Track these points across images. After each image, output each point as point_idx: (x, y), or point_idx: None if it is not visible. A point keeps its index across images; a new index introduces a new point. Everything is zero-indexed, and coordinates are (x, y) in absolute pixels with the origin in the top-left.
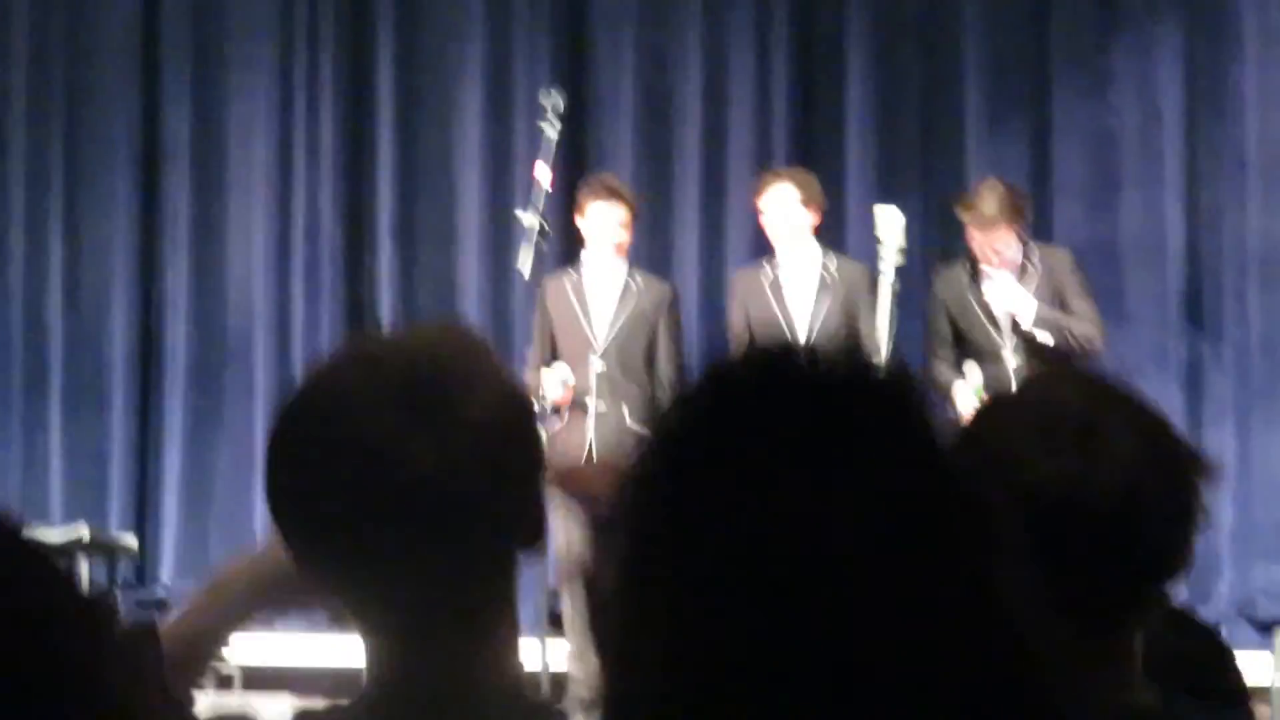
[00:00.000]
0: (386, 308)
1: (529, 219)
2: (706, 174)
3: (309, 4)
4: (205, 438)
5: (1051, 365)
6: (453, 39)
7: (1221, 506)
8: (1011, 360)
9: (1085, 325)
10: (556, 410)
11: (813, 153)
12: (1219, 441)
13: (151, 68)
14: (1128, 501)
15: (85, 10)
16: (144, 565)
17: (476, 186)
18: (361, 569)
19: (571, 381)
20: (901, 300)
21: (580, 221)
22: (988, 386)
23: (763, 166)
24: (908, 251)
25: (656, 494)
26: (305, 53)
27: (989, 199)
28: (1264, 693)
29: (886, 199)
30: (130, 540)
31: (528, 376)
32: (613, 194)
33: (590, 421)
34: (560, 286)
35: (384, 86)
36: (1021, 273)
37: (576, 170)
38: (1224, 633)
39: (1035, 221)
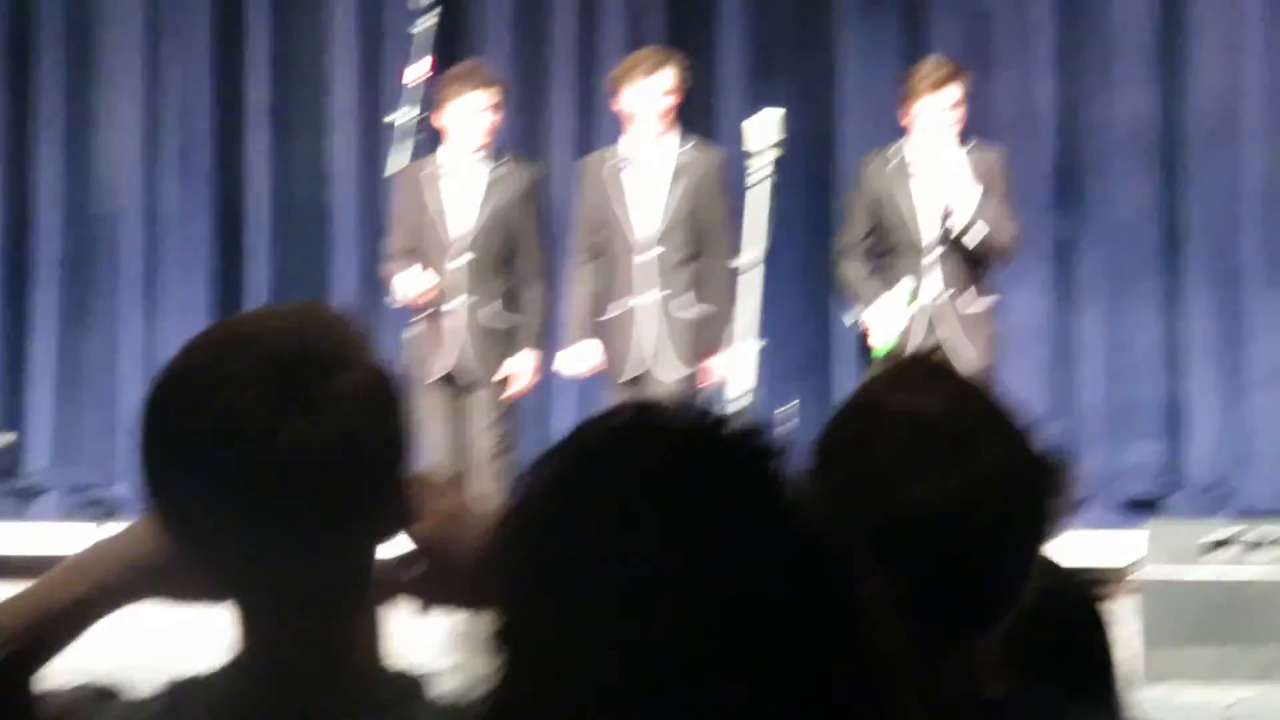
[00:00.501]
0: (258, 197)
1: (401, 118)
2: (581, 58)
3: None
4: (77, 326)
5: (911, 362)
6: None
7: (1092, 384)
8: (935, 265)
9: (1008, 229)
10: (416, 309)
11: (686, 34)
12: (1090, 320)
13: None
14: (993, 515)
15: None
16: (17, 454)
17: (351, 74)
18: (228, 543)
19: (428, 284)
20: (781, 189)
21: (439, 120)
22: (910, 292)
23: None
24: (785, 139)
25: (524, 541)
26: None
27: (930, 61)
28: (1127, 571)
29: (760, 81)
30: (7, 436)
31: (387, 269)
32: (472, 82)
33: (453, 320)
34: (420, 178)
35: None
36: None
37: (452, 57)
38: (1094, 510)
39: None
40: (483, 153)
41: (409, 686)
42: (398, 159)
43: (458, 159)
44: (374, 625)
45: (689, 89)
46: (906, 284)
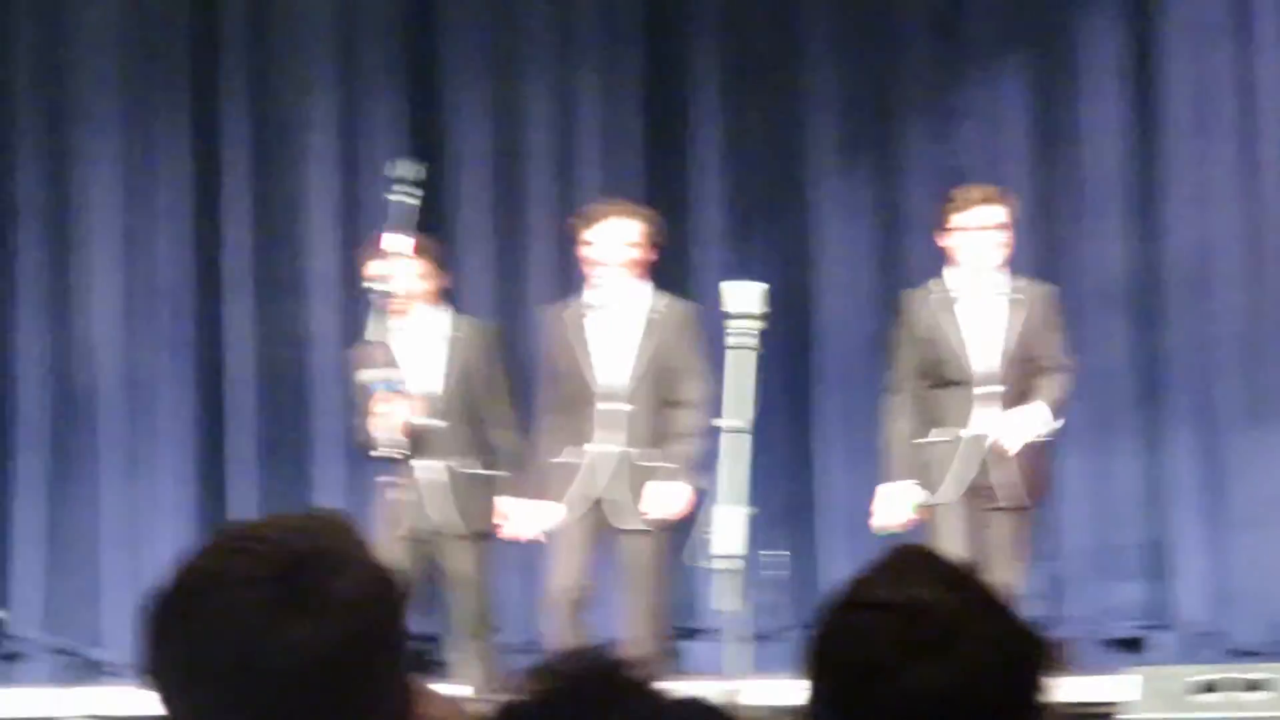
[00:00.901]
0: (239, 362)
1: (377, 285)
2: (560, 222)
3: (156, 62)
4: (60, 495)
5: (897, 553)
6: (304, 92)
7: (1077, 527)
8: (988, 400)
9: (1057, 384)
10: (395, 464)
11: (661, 195)
12: (1075, 463)
13: (5, 126)
14: (986, 698)
15: None
16: (3, 622)
17: (328, 238)
18: None
19: (411, 405)
20: (767, 360)
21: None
22: (954, 420)
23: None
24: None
25: None
26: (160, 107)
27: (966, 188)
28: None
29: (735, 243)
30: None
31: (361, 418)
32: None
33: (430, 477)
34: (388, 341)
35: (235, 139)
36: (1010, 303)
37: (433, 228)
38: (1081, 652)
39: (892, 262)
40: (440, 310)
41: None
42: (376, 326)
43: (417, 318)
44: None
45: (663, 246)
46: (917, 493)
